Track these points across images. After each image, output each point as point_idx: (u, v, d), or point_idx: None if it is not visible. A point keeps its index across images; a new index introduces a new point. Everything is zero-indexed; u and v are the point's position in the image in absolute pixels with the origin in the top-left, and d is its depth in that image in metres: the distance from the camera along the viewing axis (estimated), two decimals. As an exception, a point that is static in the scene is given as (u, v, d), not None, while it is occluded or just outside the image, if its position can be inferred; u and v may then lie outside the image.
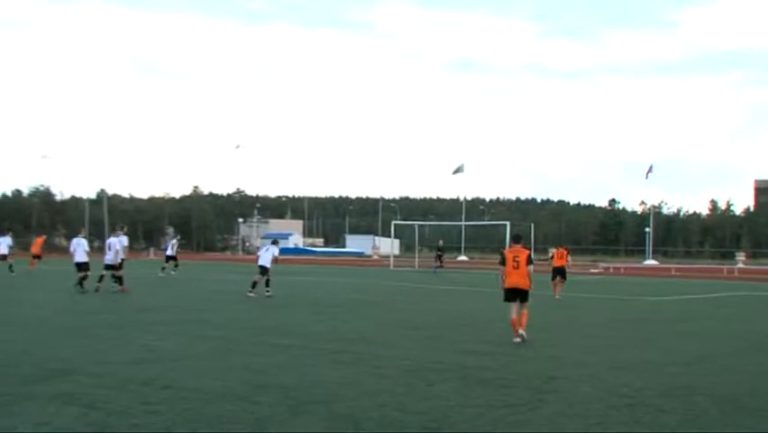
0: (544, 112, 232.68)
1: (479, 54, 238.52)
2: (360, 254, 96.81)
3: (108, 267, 22.54)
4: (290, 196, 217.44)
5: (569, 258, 26.08)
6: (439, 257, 42.66)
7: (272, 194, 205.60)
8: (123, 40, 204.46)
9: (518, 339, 12.31)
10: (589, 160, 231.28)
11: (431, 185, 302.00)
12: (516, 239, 13.05)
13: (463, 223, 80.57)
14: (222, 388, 8.07)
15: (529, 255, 12.64)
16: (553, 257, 25.84)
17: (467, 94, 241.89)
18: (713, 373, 10.00)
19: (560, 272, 25.10)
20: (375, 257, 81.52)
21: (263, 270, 21.90)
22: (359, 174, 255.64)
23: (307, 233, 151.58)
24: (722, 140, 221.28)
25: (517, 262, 12.52)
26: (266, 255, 22.33)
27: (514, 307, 12.53)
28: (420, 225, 71.83)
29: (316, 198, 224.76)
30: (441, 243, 44.67)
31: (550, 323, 15.77)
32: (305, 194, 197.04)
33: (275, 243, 23.09)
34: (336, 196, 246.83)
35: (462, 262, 71.37)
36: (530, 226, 53.27)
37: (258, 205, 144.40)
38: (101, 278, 22.31)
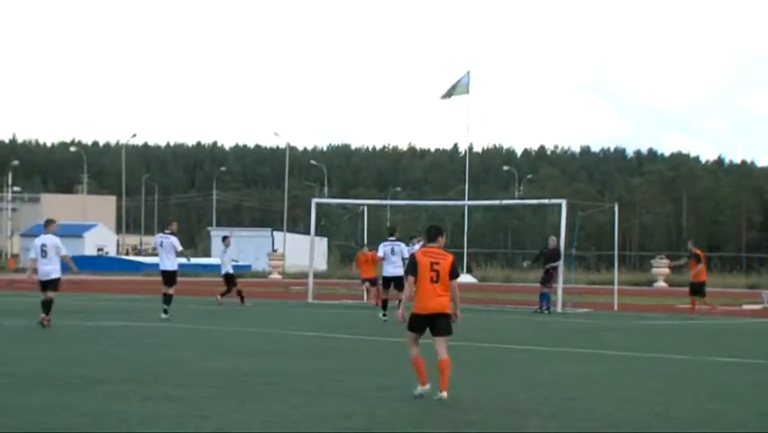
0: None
1: None
2: (242, 269, 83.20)
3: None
4: (88, 143, 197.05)
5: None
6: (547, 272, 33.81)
7: (49, 139, 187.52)
8: None
9: (421, 391, 12.56)
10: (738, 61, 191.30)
11: (394, 123, 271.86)
12: (432, 234, 12.97)
13: (467, 202, 70.06)
14: None
15: (454, 263, 12.76)
16: (691, 261, 27.15)
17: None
18: None
19: (699, 290, 27.71)
20: (275, 274, 73.21)
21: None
22: (242, 103, 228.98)
23: (128, 223, 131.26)
24: None
25: (437, 272, 12.53)
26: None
27: (416, 341, 12.68)
28: (373, 207, 60.94)
29: (147, 148, 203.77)
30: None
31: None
32: (120, 138, 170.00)
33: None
34: (192, 143, 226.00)
35: (466, 286, 61.16)
36: (613, 210, 41.18)
37: (15, 162, 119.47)
38: None
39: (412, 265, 12.75)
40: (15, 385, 13.56)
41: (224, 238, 36.12)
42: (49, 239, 23.87)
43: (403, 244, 28.49)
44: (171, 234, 27.84)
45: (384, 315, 27.27)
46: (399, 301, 25.71)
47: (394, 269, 27.39)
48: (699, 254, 30.27)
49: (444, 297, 12.60)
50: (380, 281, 30.21)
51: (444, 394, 12.35)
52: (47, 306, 23.54)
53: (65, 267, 24.21)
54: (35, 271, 23.91)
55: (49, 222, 24.72)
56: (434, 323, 12.56)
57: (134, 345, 19.78)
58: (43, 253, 23.62)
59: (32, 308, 30.19)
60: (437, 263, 12.61)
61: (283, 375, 14.95)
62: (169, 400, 12.36)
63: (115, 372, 15.11)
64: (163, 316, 26.52)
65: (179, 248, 27.65)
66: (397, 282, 26.63)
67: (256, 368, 15.96)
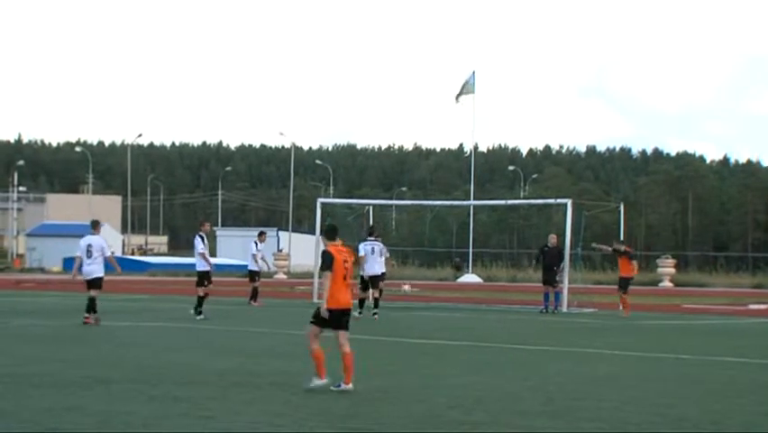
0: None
1: None
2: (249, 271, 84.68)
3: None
4: (93, 143, 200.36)
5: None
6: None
7: (55, 139, 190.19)
8: None
9: (319, 384, 13.21)
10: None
11: (400, 123, 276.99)
12: (333, 234, 13.61)
13: (472, 202, 70.98)
14: None
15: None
16: (624, 258, 29.86)
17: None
18: None
19: (625, 285, 30.02)
20: (280, 274, 73.38)
21: None
22: (248, 103, 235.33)
23: (134, 223, 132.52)
24: None
25: (347, 269, 13.30)
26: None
27: (319, 335, 13.40)
28: (378, 207, 64.16)
29: (153, 148, 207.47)
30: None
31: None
32: (126, 138, 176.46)
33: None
34: (197, 143, 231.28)
35: (471, 286, 62.98)
36: (618, 210, 42.25)
37: (21, 162, 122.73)
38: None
39: (330, 261, 13.15)
40: (20, 386, 13.59)
41: (261, 234, 35.90)
42: (95, 240, 24.30)
43: (382, 244, 29.71)
44: (198, 235, 28.13)
45: (360, 312, 27.29)
46: (376, 299, 28.79)
47: (379, 268, 29.14)
48: (630, 251, 32.33)
49: (350, 293, 13.53)
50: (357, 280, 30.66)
51: (350, 387, 13.11)
52: (90, 305, 24.08)
53: (107, 267, 24.71)
54: (80, 270, 24.43)
55: (95, 223, 25.25)
56: (342, 318, 13.33)
57: (140, 346, 19.78)
58: (89, 253, 24.10)
59: (37, 309, 30.28)
60: (347, 261, 13.34)
61: (288, 376, 14.94)
62: (175, 400, 12.36)
63: (121, 372, 15.11)
64: (197, 317, 26.89)
65: (198, 249, 27.88)
66: (375, 280, 28.96)
67: (261, 368, 15.97)
